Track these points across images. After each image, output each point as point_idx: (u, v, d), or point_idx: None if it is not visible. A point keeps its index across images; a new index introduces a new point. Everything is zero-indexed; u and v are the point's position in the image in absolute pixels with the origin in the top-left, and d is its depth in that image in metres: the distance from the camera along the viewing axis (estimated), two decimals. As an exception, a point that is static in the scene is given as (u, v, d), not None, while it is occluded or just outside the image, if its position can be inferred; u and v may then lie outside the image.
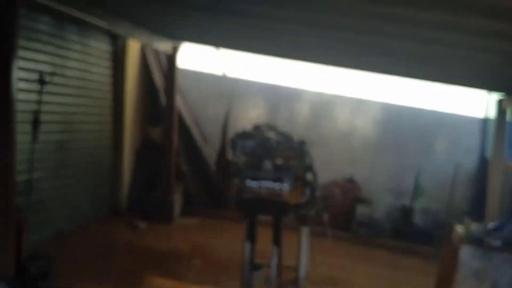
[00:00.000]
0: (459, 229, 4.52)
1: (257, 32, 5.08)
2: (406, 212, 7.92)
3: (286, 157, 3.14)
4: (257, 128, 3.46)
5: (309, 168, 3.33)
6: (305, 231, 3.23)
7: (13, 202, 3.95)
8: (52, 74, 4.84)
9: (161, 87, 7.84)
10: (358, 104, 8.34)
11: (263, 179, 2.91)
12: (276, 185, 2.89)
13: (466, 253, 4.11)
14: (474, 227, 4.33)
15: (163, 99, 7.74)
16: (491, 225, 4.46)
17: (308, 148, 3.32)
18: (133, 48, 7.33)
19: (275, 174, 2.94)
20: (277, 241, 3.12)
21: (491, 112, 7.57)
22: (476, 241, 4.13)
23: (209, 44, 7.71)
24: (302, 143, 3.26)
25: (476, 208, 7.60)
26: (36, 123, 4.55)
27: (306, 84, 8.39)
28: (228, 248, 6.30)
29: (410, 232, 7.66)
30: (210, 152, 8.17)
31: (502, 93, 6.15)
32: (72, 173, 6.24)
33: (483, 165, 7.78)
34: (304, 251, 3.23)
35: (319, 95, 8.41)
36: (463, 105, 8.06)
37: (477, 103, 8.01)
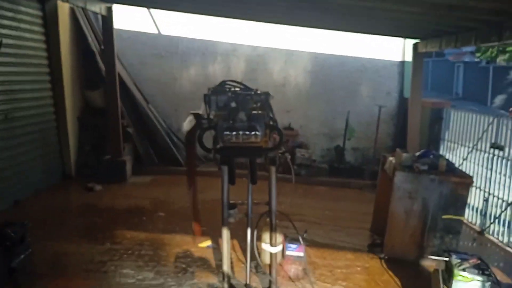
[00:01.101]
0: (392, 159, 5.30)
1: None
2: (339, 152, 8.80)
3: (254, 108, 3.56)
4: (224, 83, 3.81)
5: (271, 116, 3.79)
6: (273, 170, 3.72)
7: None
8: None
9: (96, 50, 7.69)
10: (290, 56, 8.84)
11: (239, 129, 3.30)
12: (251, 134, 3.30)
13: (399, 178, 4.88)
14: (404, 156, 5.10)
15: (99, 62, 7.64)
16: (417, 153, 5.28)
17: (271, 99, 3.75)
18: (63, 11, 7.05)
19: (249, 124, 3.34)
20: (253, 180, 3.58)
21: (408, 56, 8.51)
22: (407, 168, 4.92)
23: (140, 5, 7.66)
24: (267, 94, 3.68)
25: (398, 142, 8.68)
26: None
27: (241, 38, 8.66)
28: (187, 199, 6.71)
29: (344, 169, 8.59)
30: (154, 113, 8.31)
31: (417, 38, 6.94)
32: (21, 142, 6.15)
33: (402, 104, 8.80)
34: (273, 187, 3.74)
35: (254, 48, 8.76)
36: (382, 51, 8.86)
37: (394, 48, 8.83)
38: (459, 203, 4.81)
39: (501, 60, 23.27)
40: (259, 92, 3.72)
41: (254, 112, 3.45)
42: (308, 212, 6.47)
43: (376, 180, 7.96)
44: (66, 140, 7.27)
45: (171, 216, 5.95)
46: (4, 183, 5.72)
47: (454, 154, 7.13)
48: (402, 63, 8.83)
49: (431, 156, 5.15)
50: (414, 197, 4.85)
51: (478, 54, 24.27)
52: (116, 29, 7.52)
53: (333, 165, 8.69)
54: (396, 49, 8.79)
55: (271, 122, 3.76)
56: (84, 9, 6.96)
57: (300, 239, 4.22)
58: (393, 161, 5.23)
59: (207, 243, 5.13)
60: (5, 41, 5.74)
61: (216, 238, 5.22)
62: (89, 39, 7.60)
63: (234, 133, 3.31)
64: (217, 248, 4.99)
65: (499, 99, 24.57)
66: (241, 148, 3.43)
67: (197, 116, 3.90)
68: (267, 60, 8.81)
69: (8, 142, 5.86)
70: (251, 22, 7.79)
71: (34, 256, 4.41)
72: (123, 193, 6.90)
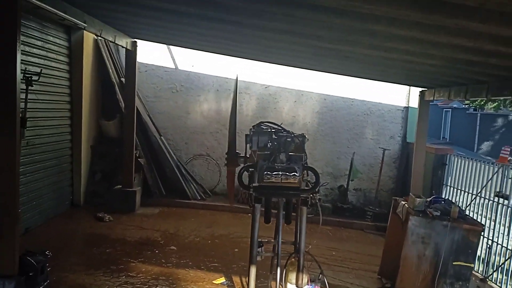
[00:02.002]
0: (404, 203, 5.46)
1: (207, 31, 5.51)
2: (343, 192, 8.97)
3: (292, 150, 3.75)
4: (261, 125, 4.02)
5: (307, 158, 3.98)
6: (305, 210, 3.87)
7: (15, 201, 4.03)
8: (39, 74, 4.84)
9: (116, 82, 7.89)
10: (299, 96, 9.13)
11: (279, 170, 3.47)
12: (291, 175, 3.47)
13: (413, 222, 5.03)
14: (418, 201, 5.26)
15: (117, 93, 7.83)
16: (428, 199, 5.46)
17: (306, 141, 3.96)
18: (88, 42, 7.30)
19: (288, 165, 3.52)
20: (287, 219, 3.72)
21: (412, 102, 8.85)
22: (421, 212, 5.09)
23: (161, 42, 7.94)
24: (303, 137, 3.89)
25: (400, 185, 8.92)
26: (23, 121, 4.57)
27: (254, 77, 8.95)
28: (196, 233, 6.79)
29: (347, 209, 8.73)
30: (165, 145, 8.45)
31: (424, 87, 7.24)
32: (38, 169, 6.22)
33: (405, 148, 9.09)
34: (303, 227, 3.87)
35: (266, 87, 9.04)
36: (388, 96, 9.18)
37: (399, 94, 9.16)
38: (470, 249, 4.96)
39: (489, 108, 24.11)
40: (296, 134, 3.92)
41: (293, 153, 3.63)
42: (315, 252, 6.45)
43: (378, 222, 8.12)
44: (78, 168, 7.36)
45: (183, 250, 5.99)
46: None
47: (457, 200, 7.34)
48: (407, 108, 9.17)
49: (443, 202, 5.34)
50: (427, 242, 4.99)
51: (466, 102, 25.09)
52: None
53: (336, 204, 8.84)
54: (401, 95, 9.14)
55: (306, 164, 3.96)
56: (109, 42, 7.18)
57: (325, 280, 4.30)
58: (406, 205, 5.39)
59: (221, 280, 5.18)
60: (33, 69, 5.91)
61: (229, 275, 5.28)
62: (110, 70, 7.81)
63: (274, 173, 3.47)
64: (231, 285, 5.04)
65: (486, 145, 25.25)
66: (279, 188, 3.59)
67: (236, 154, 4.06)
68: (278, 99, 9.09)
69: (27, 168, 5.91)
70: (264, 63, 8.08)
71: (52, 288, 4.40)
72: (133, 224, 6.93)
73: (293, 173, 3.46)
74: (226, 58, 8.21)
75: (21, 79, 4.57)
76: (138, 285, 4.79)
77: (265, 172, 3.46)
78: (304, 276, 3.92)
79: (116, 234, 6.37)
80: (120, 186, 7.49)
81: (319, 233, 7.74)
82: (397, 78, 7.05)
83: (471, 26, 2.99)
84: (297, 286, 3.88)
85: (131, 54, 7.32)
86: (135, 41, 7.25)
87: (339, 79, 8.64)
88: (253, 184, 3.66)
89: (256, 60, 7.69)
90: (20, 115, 4.50)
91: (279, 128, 4.00)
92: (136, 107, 7.85)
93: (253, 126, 3.95)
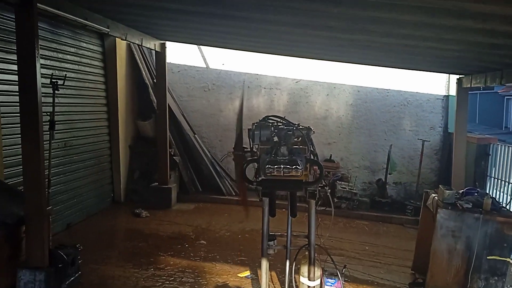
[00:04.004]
0: (434, 195, 5.24)
1: (237, 30, 5.56)
2: (381, 186, 8.72)
3: (296, 143, 3.72)
4: (267, 118, 4.02)
5: (312, 150, 3.93)
6: (313, 203, 3.82)
7: (45, 197, 4.34)
8: (63, 78, 5.14)
9: (149, 83, 8.19)
10: (332, 89, 8.98)
11: (281, 163, 3.46)
12: (292, 168, 3.44)
13: (442, 215, 4.81)
14: (447, 193, 5.03)
15: (151, 94, 8.12)
16: (461, 191, 5.21)
17: (311, 134, 3.91)
18: (121, 47, 7.63)
19: (290, 158, 3.50)
20: (293, 212, 3.69)
21: (452, 90, 8.41)
22: (450, 205, 4.85)
23: (190, 42, 8.14)
24: (308, 129, 3.84)
25: (442, 177, 8.52)
26: (52, 124, 4.89)
27: (284, 72, 8.92)
28: (228, 228, 6.92)
29: (386, 203, 8.49)
30: (199, 142, 8.66)
31: (460, 74, 6.89)
32: (77, 168, 6.60)
33: (447, 139, 8.67)
34: (313, 220, 3.83)
35: (297, 82, 8.99)
36: (426, 85, 8.79)
37: (438, 82, 8.76)
38: (506, 243, 4.67)
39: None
40: (301, 127, 3.89)
41: (295, 146, 3.61)
42: (348, 247, 6.45)
43: (419, 217, 7.80)
44: (117, 167, 7.72)
45: (212, 244, 6.12)
46: (60, 207, 6.12)
47: (502, 191, 6.92)
48: (447, 97, 8.74)
49: (476, 194, 5.06)
50: (457, 236, 4.75)
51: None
52: (168, 63, 8.04)
53: (374, 199, 8.62)
54: (440, 83, 8.73)
55: (312, 156, 3.91)
56: (139, 45, 7.47)
57: (339, 274, 4.23)
58: (436, 198, 5.18)
59: (246, 273, 5.24)
60: (67, 75, 6.29)
61: (255, 268, 5.33)
62: (143, 73, 8.12)
63: (275, 166, 3.46)
64: (255, 278, 5.09)
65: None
66: (282, 181, 3.57)
67: (242, 149, 4.11)
68: (309, 93, 9.00)
69: (66, 168, 6.31)
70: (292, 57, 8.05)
71: (83, 279, 4.68)
72: (168, 219, 7.17)
73: (294, 166, 3.42)
74: (255, 55, 8.27)
75: (44, 84, 4.92)
76: (165, 277, 4.96)
77: (267, 166, 3.46)
78: (316, 269, 3.88)
79: (150, 229, 6.63)
80: (157, 184, 7.78)
81: (354, 227, 7.64)
82: (429, 66, 6.77)
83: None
84: (309, 280, 3.85)
85: (160, 55, 7.57)
86: (164, 43, 7.48)
87: (372, 70, 8.40)
88: (254, 178, 3.69)
89: (283, 55, 7.68)
90: (49, 118, 4.90)
91: (285, 121, 3.96)
92: (170, 107, 8.11)
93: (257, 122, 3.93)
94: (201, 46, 8.69)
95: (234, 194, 8.46)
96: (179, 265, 5.33)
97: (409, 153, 8.91)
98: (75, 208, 6.57)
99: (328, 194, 4.13)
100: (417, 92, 8.87)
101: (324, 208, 4.66)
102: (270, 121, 4.03)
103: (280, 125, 3.90)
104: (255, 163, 3.82)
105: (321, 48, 6.12)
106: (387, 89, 8.92)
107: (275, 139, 3.65)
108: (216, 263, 5.50)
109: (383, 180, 8.70)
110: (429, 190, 5.66)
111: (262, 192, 3.75)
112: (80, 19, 5.04)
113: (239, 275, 5.18)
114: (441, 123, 8.85)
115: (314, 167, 3.78)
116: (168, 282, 4.86)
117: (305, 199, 3.94)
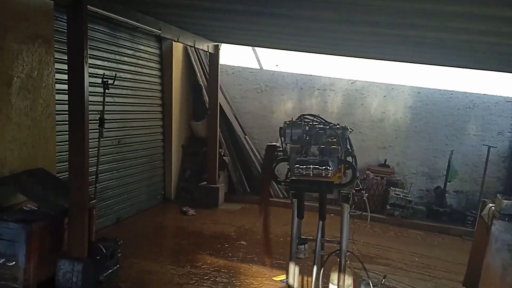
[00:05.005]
0: (492, 205, 4.81)
1: (290, 30, 5.47)
2: (440, 194, 8.18)
3: (329, 142, 3.57)
4: (302, 117, 3.91)
5: (350, 151, 3.74)
6: (346, 207, 3.64)
7: (87, 192, 4.52)
8: (114, 78, 5.39)
9: (204, 84, 8.37)
10: (389, 90, 8.59)
11: (310, 163, 3.33)
12: (322, 168, 3.30)
13: (497, 227, 4.39)
14: (505, 203, 4.58)
15: (204, 95, 8.29)
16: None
17: (349, 133, 3.73)
18: (177, 49, 7.88)
19: (320, 158, 3.36)
20: (322, 216, 3.54)
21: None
22: (508, 216, 4.41)
23: (242, 44, 8.19)
24: (344, 129, 3.67)
25: (510, 187, 7.82)
26: (101, 122, 5.13)
27: (339, 73, 8.69)
28: (271, 230, 6.75)
29: (444, 213, 7.94)
30: (249, 144, 8.69)
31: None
32: (130, 165, 6.90)
33: (516, 145, 7.95)
34: (345, 225, 3.65)
35: (352, 82, 8.71)
36: (494, 86, 8.12)
37: (509, 84, 8.06)
38: None
39: None
40: (337, 126, 3.73)
41: (334, 147, 3.46)
42: (395, 257, 6.11)
43: (479, 228, 7.20)
44: (169, 165, 7.97)
45: (252, 246, 6.09)
46: (111, 201, 6.42)
47: None
48: (517, 100, 8.03)
49: (538, 206, 4.56)
50: (513, 251, 4.33)
51: None
52: (222, 65, 8.17)
53: (431, 207, 8.10)
54: (509, 84, 8.03)
55: (348, 157, 3.74)
56: (195, 48, 7.65)
57: (371, 284, 4.00)
58: (492, 208, 4.75)
59: (282, 277, 5.13)
60: (124, 76, 6.60)
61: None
62: (198, 74, 8.33)
63: (304, 166, 3.34)
64: (291, 283, 4.96)
65: None
66: (311, 182, 3.43)
67: (273, 147, 4.03)
68: (365, 94, 8.68)
69: (119, 164, 6.61)
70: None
71: (121, 272, 4.81)
72: (213, 218, 7.25)
73: (325, 167, 3.28)
74: (309, 55, 8.14)
75: (98, 84, 5.21)
76: (199, 276, 5.01)
77: (295, 165, 3.35)
78: (347, 277, 3.70)
79: (194, 227, 6.74)
80: (205, 183, 7.91)
81: (406, 236, 7.23)
82: (493, 64, 6.23)
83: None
84: (338, 287, 3.68)
85: (214, 57, 7.69)
86: (217, 45, 7.59)
87: (434, 71, 7.91)
88: (283, 179, 3.59)
89: (333, 54, 7.50)
90: (99, 116, 5.15)
91: (321, 120, 3.83)
92: (222, 108, 8.22)
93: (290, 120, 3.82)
94: (255, 48, 8.72)
95: (281, 196, 8.38)
96: (215, 265, 5.36)
97: (473, 160, 8.28)
98: (126, 204, 6.86)
99: (365, 198, 3.91)
100: (484, 94, 8.22)
101: (360, 212, 4.43)
102: (306, 120, 3.92)
103: (316, 124, 3.78)
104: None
105: (371, 47, 5.87)
106: (450, 91, 8.36)
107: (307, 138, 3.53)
108: (253, 264, 5.46)
109: (442, 188, 8.16)
110: (486, 200, 5.21)
111: (291, 193, 3.65)
112: (131, 21, 5.25)
113: (274, 278, 5.10)
114: (510, 128, 8.13)
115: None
116: (202, 280, 4.90)
117: (338, 203, 3.79)
